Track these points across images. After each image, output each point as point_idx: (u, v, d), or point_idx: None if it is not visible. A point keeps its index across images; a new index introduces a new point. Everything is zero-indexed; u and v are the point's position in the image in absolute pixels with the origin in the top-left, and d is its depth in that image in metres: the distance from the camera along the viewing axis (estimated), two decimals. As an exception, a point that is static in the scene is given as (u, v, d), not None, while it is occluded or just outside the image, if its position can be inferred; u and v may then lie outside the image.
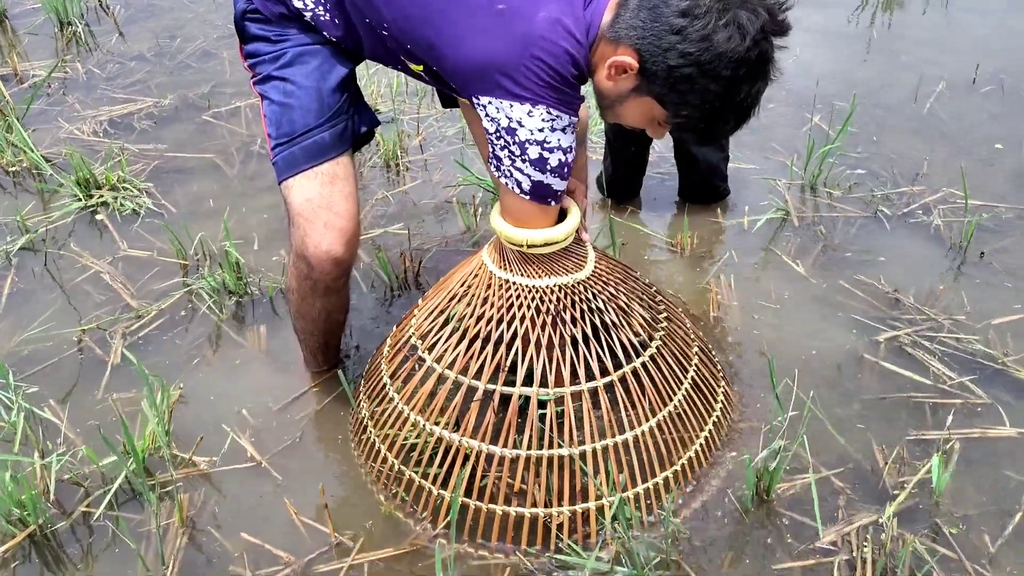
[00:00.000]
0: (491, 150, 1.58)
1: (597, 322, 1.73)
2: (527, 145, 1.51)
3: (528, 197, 1.58)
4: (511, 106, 1.48)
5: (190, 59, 3.83)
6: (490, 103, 1.50)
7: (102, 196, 2.79)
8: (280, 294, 2.38)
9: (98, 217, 2.74)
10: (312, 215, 1.73)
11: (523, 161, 1.54)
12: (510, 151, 1.53)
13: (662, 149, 2.89)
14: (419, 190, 2.84)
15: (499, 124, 1.51)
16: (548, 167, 1.55)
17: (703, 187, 2.62)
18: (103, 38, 4.07)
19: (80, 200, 2.78)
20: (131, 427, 1.97)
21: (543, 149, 1.52)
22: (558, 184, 1.58)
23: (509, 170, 1.56)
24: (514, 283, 1.71)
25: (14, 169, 3.01)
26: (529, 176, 1.55)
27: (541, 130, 1.50)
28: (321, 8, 1.66)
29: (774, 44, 1.45)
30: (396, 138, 3.00)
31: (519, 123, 1.50)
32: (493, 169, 1.61)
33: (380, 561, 1.67)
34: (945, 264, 2.39)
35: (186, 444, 1.94)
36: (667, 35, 1.41)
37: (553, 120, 1.50)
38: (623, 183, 2.66)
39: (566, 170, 1.58)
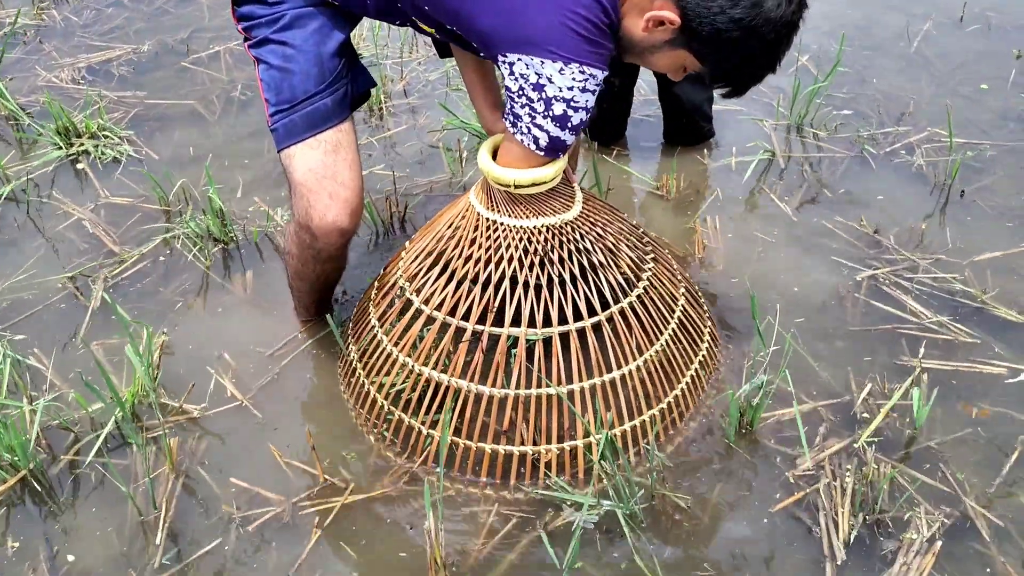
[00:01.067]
0: (508, 108, 1.55)
1: (585, 262, 1.73)
2: (553, 102, 1.49)
3: (543, 153, 1.58)
4: (542, 63, 1.45)
5: (167, 4, 3.74)
6: (519, 60, 1.47)
7: (82, 144, 2.76)
8: (265, 239, 2.37)
9: (79, 166, 2.71)
10: (316, 186, 1.70)
11: (545, 118, 1.51)
12: (532, 108, 1.51)
13: (647, 92, 2.87)
14: (403, 135, 2.82)
15: (526, 80, 1.48)
16: (569, 124, 1.53)
17: (688, 128, 2.61)
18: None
19: (60, 148, 2.74)
20: (119, 373, 1.98)
21: (568, 107, 1.50)
22: (571, 139, 1.57)
23: (528, 127, 1.54)
24: (502, 224, 1.71)
25: (-8, 117, 2.96)
26: (548, 132, 1.54)
27: (571, 88, 1.48)
28: None
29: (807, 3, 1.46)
30: (379, 83, 2.96)
31: (549, 79, 1.47)
32: (509, 126, 1.57)
33: (371, 501, 1.69)
34: (928, 203, 2.41)
35: (174, 390, 1.94)
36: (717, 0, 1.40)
37: (586, 80, 1.48)
38: (608, 125, 2.65)
39: (582, 128, 1.58)
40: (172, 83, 3.16)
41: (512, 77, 1.50)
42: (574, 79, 1.47)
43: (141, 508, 1.69)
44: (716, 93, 2.53)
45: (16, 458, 1.74)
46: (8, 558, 1.63)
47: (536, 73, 1.47)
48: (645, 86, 2.85)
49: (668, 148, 2.67)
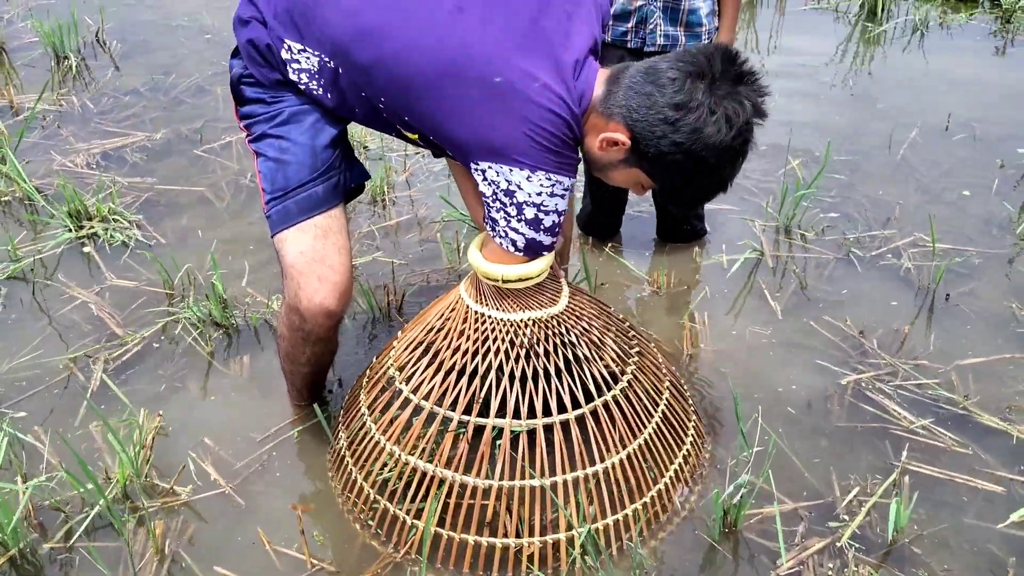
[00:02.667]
0: (486, 212, 1.65)
1: (570, 355, 1.78)
2: (524, 207, 1.59)
3: (521, 254, 1.66)
4: (511, 171, 1.56)
5: (184, 94, 3.91)
6: (489, 167, 1.57)
7: (92, 227, 2.85)
8: (265, 325, 2.43)
9: (85, 249, 2.78)
10: (306, 268, 1.77)
11: (519, 221, 1.61)
12: (506, 212, 1.60)
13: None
14: (405, 225, 2.91)
15: (497, 187, 1.58)
16: (542, 226, 1.62)
17: (681, 227, 2.70)
18: (99, 72, 4.15)
19: (71, 231, 2.83)
20: (112, 454, 2.01)
21: (539, 211, 1.60)
22: (549, 240, 1.66)
23: (504, 231, 1.63)
24: (489, 316, 1.77)
25: (6, 199, 3.06)
26: (524, 235, 1.63)
27: (539, 194, 1.58)
28: (315, 83, 1.72)
29: (753, 129, 1.54)
30: (384, 174, 3.07)
31: (518, 186, 1.57)
32: (488, 229, 1.67)
33: (354, 588, 1.71)
34: (913, 306, 2.46)
35: (166, 472, 1.97)
36: (660, 124, 1.50)
37: (553, 186, 1.58)
38: (602, 222, 2.73)
39: (558, 229, 1.66)
40: (183, 170, 3.27)
41: (485, 183, 1.59)
42: (542, 185, 1.57)
43: (126, 590, 1.70)
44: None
45: (6, 536, 1.76)
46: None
47: (506, 180, 1.57)
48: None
49: (661, 244, 2.75)
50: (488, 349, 1.76)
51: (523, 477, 1.71)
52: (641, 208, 2.93)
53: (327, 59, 1.67)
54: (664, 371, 1.99)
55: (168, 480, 1.94)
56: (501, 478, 1.71)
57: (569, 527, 1.72)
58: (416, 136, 1.76)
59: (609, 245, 2.76)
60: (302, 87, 1.74)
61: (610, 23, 2.31)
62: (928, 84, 3.88)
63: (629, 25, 2.29)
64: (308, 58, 1.69)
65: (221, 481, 1.95)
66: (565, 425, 1.74)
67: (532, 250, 1.66)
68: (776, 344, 2.34)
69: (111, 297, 2.57)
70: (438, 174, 3.21)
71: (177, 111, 3.76)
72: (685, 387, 2.08)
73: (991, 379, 2.19)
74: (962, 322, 2.39)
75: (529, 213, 1.60)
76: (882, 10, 4.67)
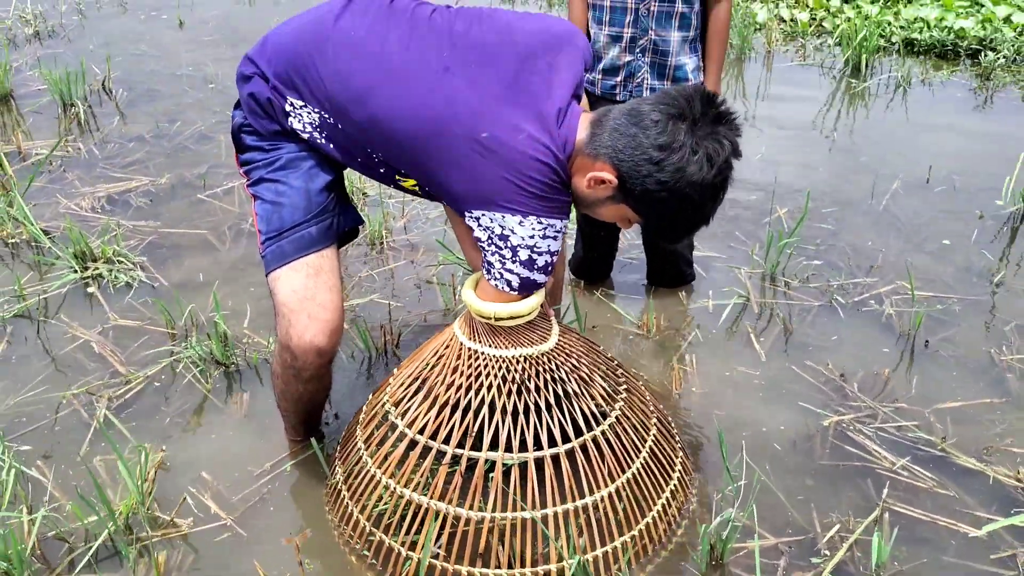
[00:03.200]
0: (483, 256, 1.74)
1: (560, 391, 1.85)
2: (518, 249, 1.68)
3: (516, 293, 1.75)
4: (503, 217, 1.65)
5: (188, 141, 4.02)
6: (483, 215, 1.67)
7: (97, 269, 2.92)
8: (264, 364, 2.49)
9: (89, 290, 2.85)
10: (297, 306, 1.85)
11: (513, 262, 1.70)
12: (501, 255, 1.70)
13: (631, 236, 3.06)
14: (402, 269, 2.99)
15: (492, 232, 1.68)
16: (536, 266, 1.72)
17: (670, 272, 2.78)
18: (105, 120, 4.26)
19: (76, 272, 2.90)
20: (116, 487, 2.06)
21: (532, 252, 1.69)
22: (543, 279, 1.76)
23: (500, 272, 1.72)
24: (483, 353, 1.84)
25: (13, 241, 3.14)
26: (518, 275, 1.72)
27: (531, 236, 1.67)
28: (318, 134, 1.83)
29: (732, 166, 1.64)
30: (382, 219, 3.16)
31: (512, 231, 1.66)
32: (484, 272, 1.76)
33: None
34: (894, 352, 2.54)
35: (166, 505, 2.02)
36: (646, 164, 1.60)
37: (544, 228, 1.68)
38: (593, 266, 2.82)
39: (551, 268, 1.75)
40: (186, 214, 3.36)
41: (480, 229, 1.69)
42: (534, 228, 1.67)
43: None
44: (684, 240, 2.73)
45: (11, 567, 1.80)
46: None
47: (500, 225, 1.66)
48: (629, 232, 3.03)
49: (650, 289, 2.83)
50: (481, 384, 1.82)
51: (515, 509, 1.77)
52: (631, 255, 3.02)
53: (327, 115, 1.78)
54: (651, 408, 2.05)
55: (169, 512, 1.99)
56: (494, 510, 1.77)
57: (560, 559, 1.77)
58: (413, 183, 1.85)
59: (600, 289, 2.84)
60: (306, 136, 1.84)
61: (598, 76, 2.42)
62: (910, 138, 4.01)
63: (618, 79, 2.40)
64: (309, 113, 1.79)
65: (221, 513, 2.00)
66: (555, 459, 1.80)
67: (526, 288, 1.75)
68: (761, 386, 2.41)
69: (114, 336, 2.63)
70: (435, 220, 3.30)
71: (181, 157, 3.86)
72: (672, 425, 2.15)
73: (969, 422, 2.26)
74: (941, 367, 2.47)
75: (523, 255, 1.69)
76: (866, 67, 4.83)
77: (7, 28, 5.59)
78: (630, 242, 3.05)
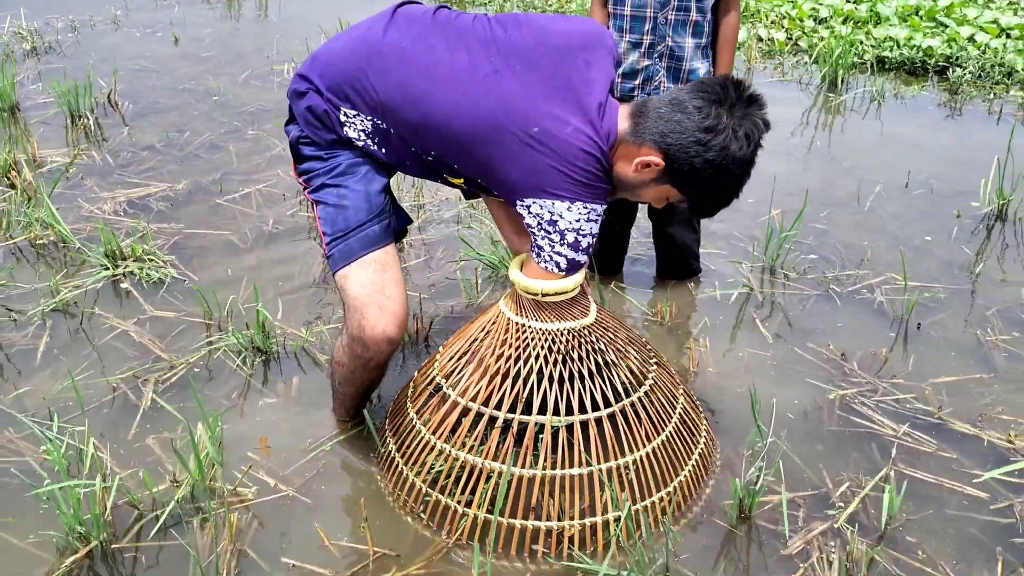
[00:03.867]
0: (533, 241, 1.91)
1: (600, 361, 2.02)
2: (566, 233, 1.85)
3: (564, 273, 1.91)
4: (553, 204, 1.82)
5: (199, 150, 4.14)
6: (534, 203, 1.84)
7: (128, 266, 3.04)
8: (303, 352, 2.62)
9: (123, 285, 2.97)
10: (368, 299, 1.99)
11: (562, 245, 1.87)
12: (551, 239, 1.87)
13: (638, 236, 3.24)
14: (422, 266, 3.14)
15: (541, 218, 1.85)
16: (581, 247, 1.89)
17: (679, 265, 2.97)
18: (113, 131, 4.37)
19: (108, 269, 3.01)
20: (174, 463, 2.18)
21: (578, 235, 1.86)
22: (585, 259, 1.93)
23: (550, 255, 1.89)
24: (529, 327, 2.00)
25: (41, 242, 3.24)
26: (566, 256, 1.89)
27: (578, 220, 1.84)
28: (371, 140, 1.99)
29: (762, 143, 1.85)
30: (399, 221, 3.31)
31: (560, 216, 1.83)
32: (534, 256, 1.93)
33: (416, 572, 1.89)
34: (888, 334, 2.74)
35: (225, 479, 2.14)
36: (693, 145, 1.78)
37: (588, 213, 1.85)
38: (607, 260, 3.00)
39: (591, 249, 1.93)
40: (206, 217, 3.49)
41: (531, 215, 1.86)
42: (579, 213, 1.84)
43: (205, 573, 1.86)
44: (702, 224, 2.92)
45: (87, 530, 1.91)
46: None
47: (549, 212, 1.83)
48: (638, 231, 3.22)
49: (660, 282, 3.02)
50: (529, 355, 1.99)
51: (564, 467, 1.92)
52: (638, 252, 3.20)
53: (379, 121, 1.94)
54: (678, 380, 2.22)
55: (231, 484, 2.11)
56: (544, 468, 1.92)
57: (606, 511, 1.93)
58: (460, 181, 2.02)
59: (612, 282, 3.01)
60: (360, 144, 2.00)
61: (618, 80, 2.61)
62: (887, 147, 4.26)
63: (636, 82, 2.60)
64: (362, 121, 1.96)
65: (280, 485, 2.13)
66: (598, 422, 1.97)
67: (573, 268, 1.92)
68: (769, 365, 2.59)
69: (151, 327, 2.75)
70: (448, 221, 3.47)
71: (194, 165, 3.98)
72: (695, 397, 2.32)
73: (961, 394, 2.46)
74: (933, 347, 2.68)
75: (570, 238, 1.86)
76: (841, 82, 5.10)
77: (4, 44, 5.67)
78: (636, 240, 3.23)
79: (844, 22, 5.94)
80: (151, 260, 3.08)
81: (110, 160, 4.00)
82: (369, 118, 1.95)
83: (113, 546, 1.95)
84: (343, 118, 1.97)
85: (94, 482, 1.98)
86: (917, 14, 5.91)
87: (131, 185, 3.74)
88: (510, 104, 1.82)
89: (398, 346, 2.06)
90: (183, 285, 2.98)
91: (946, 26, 5.70)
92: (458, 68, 1.87)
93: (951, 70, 5.15)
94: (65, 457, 2.07)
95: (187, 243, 3.28)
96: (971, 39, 5.49)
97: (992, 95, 4.93)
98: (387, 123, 1.93)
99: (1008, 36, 5.54)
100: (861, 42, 5.53)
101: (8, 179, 3.65)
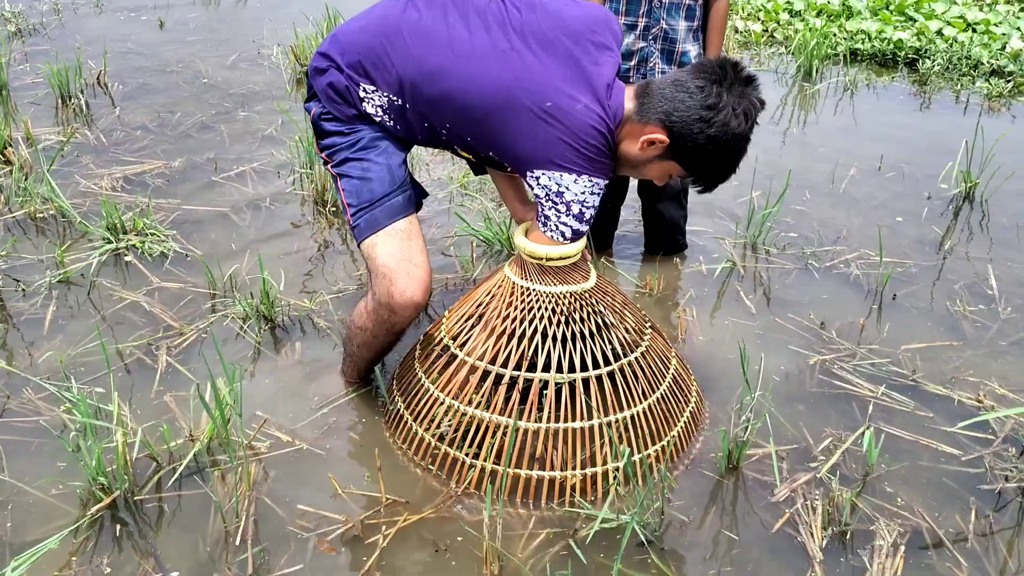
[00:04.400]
0: (539, 211, 2.03)
1: (600, 322, 2.14)
2: (571, 204, 1.97)
3: (568, 241, 2.04)
4: (561, 176, 1.94)
5: (191, 130, 4.20)
6: (543, 174, 1.96)
7: (130, 240, 3.11)
8: (308, 320, 2.72)
9: (127, 258, 3.04)
10: (397, 266, 2.10)
11: (568, 215, 1.99)
12: (557, 210, 1.99)
13: (626, 215, 3.37)
14: (417, 241, 3.24)
15: (549, 190, 1.97)
16: (584, 218, 2.01)
17: (667, 240, 3.10)
18: (103, 111, 4.42)
19: (111, 242, 3.08)
20: (188, 420, 2.27)
21: (583, 207, 1.98)
22: (587, 229, 2.06)
23: (556, 225, 2.01)
24: (534, 290, 2.12)
25: (41, 215, 3.30)
26: (570, 227, 2.01)
27: (583, 192, 1.96)
28: (387, 116, 2.10)
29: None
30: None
31: (567, 187, 1.95)
32: (540, 226, 2.05)
33: (426, 519, 2.00)
34: (864, 305, 2.90)
35: (239, 435, 2.24)
36: (696, 122, 1.90)
37: (593, 186, 1.97)
38: (598, 235, 3.12)
39: (592, 221, 2.06)
40: (203, 194, 3.56)
41: (539, 187, 1.98)
42: (585, 186, 1.96)
43: (226, 518, 1.96)
44: (691, 199, 3.04)
45: (108, 482, 2.00)
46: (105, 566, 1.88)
47: (556, 184, 1.95)
48: (627, 209, 3.35)
49: (648, 256, 3.15)
50: (533, 316, 2.10)
51: (566, 421, 2.05)
52: (626, 229, 3.33)
53: (395, 97, 2.05)
54: (669, 344, 2.35)
55: (246, 438, 2.21)
56: (548, 421, 2.04)
57: (605, 462, 2.05)
58: (470, 155, 2.13)
59: (602, 258, 3.14)
60: (377, 119, 2.11)
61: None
62: (860, 133, 4.43)
63: (632, 63, 2.72)
64: (380, 97, 2.06)
65: (292, 440, 2.23)
66: (598, 379, 2.09)
67: (576, 237, 2.04)
68: (753, 334, 2.73)
69: (159, 297, 2.83)
70: (441, 200, 3.57)
71: (187, 144, 4.04)
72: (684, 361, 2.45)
73: (934, 359, 2.62)
74: (906, 316, 2.83)
75: (575, 209, 1.98)
76: (816, 72, 5.26)
77: (-12, 25, 5.68)
78: (625, 218, 3.36)
79: (818, 15, 6.12)
80: (153, 234, 3.16)
81: (104, 139, 4.05)
82: (386, 94, 2.05)
83: (135, 497, 2.04)
84: (362, 94, 2.07)
85: (117, 432, 2.07)
86: (888, 8, 6.10)
87: (126, 163, 3.80)
88: (525, 80, 1.94)
89: (423, 309, 2.16)
90: (185, 259, 3.06)
91: (915, 20, 5.89)
92: (477, 45, 1.98)
93: (920, 62, 5.34)
94: (86, 415, 2.15)
95: (186, 218, 3.36)
96: (939, 33, 5.69)
97: (959, 86, 5.12)
98: (404, 99, 2.04)
99: (974, 30, 5.74)
100: (834, 35, 5.71)
101: (4, 155, 3.70)
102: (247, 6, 6.50)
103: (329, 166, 2.20)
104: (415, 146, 2.21)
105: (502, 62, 1.96)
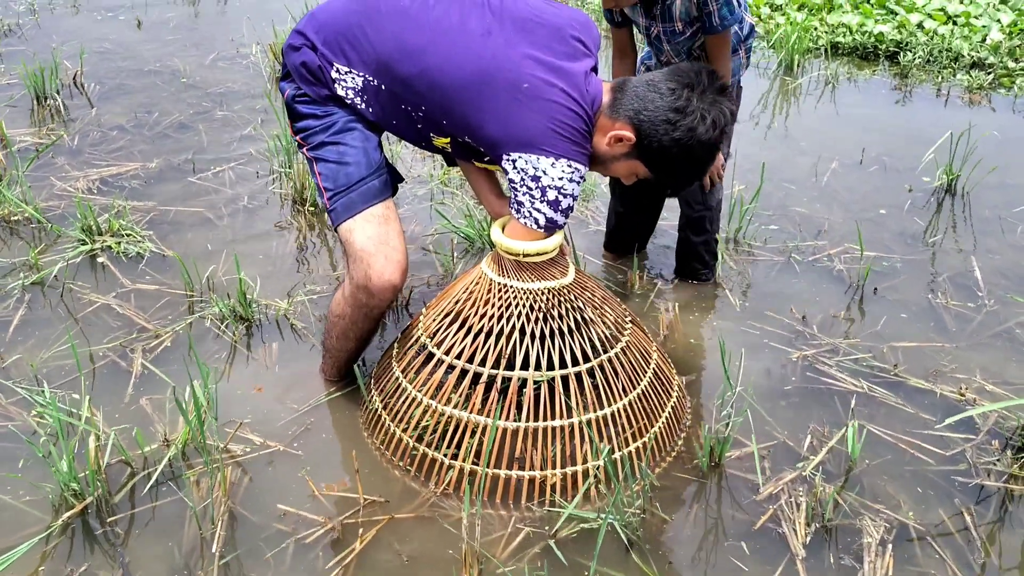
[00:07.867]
0: (512, 197, 1.99)
1: (579, 318, 2.11)
2: (547, 189, 1.93)
3: (542, 230, 2.00)
4: (538, 159, 1.91)
5: (168, 130, 4.15)
6: (520, 157, 1.92)
7: (105, 241, 3.06)
8: (284, 320, 2.69)
9: (99, 260, 3.00)
10: (375, 249, 2.08)
11: (542, 202, 1.95)
12: (531, 195, 1.95)
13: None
14: (397, 240, 3.21)
15: (525, 173, 1.93)
16: (560, 207, 1.97)
17: (687, 268, 2.96)
18: (80, 112, 4.36)
19: (85, 244, 3.04)
20: (164, 424, 2.23)
21: (559, 194, 1.95)
22: (563, 220, 2.02)
23: (529, 211, 1.98)
24: (511, 287, 2.09)
25: (16, 218, 3.24)
26: (545, 214, 1.97)
27: (561, 178, 1.93)
28: (359, 99, 2.07)
29: (727, 131, 1.97)
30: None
31: (544, 172, 1.92)
32: (513, 212, 2.01)
33: (405, 521, 1.97)
34: (846, 299, 2.88)
35: (215, 437, 2.20)
36: (662, 123, 1.89)
37: (572, 172, 1.94)
38: (624, 240, 3.06)
39: (570, 212, 2.02)
40: (180, 194, 3.51)
41: (515, 171, 1.94)
42: (563, 171, 1.93)
43: (201, 523, 1.93)
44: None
45: (80, 488, 1.96)
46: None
47: (533, 167, 1.92)
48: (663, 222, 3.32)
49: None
50: (512, 313, 2.07)
51: (546, 419, 2.02)
52: (600, 227, 3.30)
53: (370, 78, 2.02)
54: (650, 338, 2.33)
55: (221, 441, 2.18)
56: (527, 421, 2.01)
57: (586, 460, 2.03)
58: (446, 141, 2.10)
59: (583, 253, 3.11)
60: (348, 102, 2.08)
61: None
62: (842, 127, 4.42)
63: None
64: (353, 78, 2.03)
65: (269, 442, 2.19)
66: (577, 376, 2.06)
67: (550, 227, 2.01)
68: (735, 328, 2.71)
69: (134, 300, 2.79)
70: (421, 197, 3.54)
71: (164, 144, 3.99)
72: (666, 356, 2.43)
73: (916, 353, 2.61)
74: (888, 310, 2.82)
75: (551, 195, 1.95)
76: (797, 66, 5.25)
77: (-38, 26, 5.60)
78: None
79: (799, 9, 6.10)
80: (129, 235, 3.11)
81: (79, 140, 4.00)
82: (361, 75, 2.02)
83: (109, 502, 2.00)
84: (335, 75, 2.05)
85: (89, 437, 2.03)
86: (869, 2, 6.10)
87: (102, 164, 3.75)
88: (503, 60, 1.92)
89: (399, 293, 2.14)
90: (161, 260, 3.02)
91: (896, 13, 5.89)
92: (456, 25, 1.96)
93: (901, 55, 5.34)
94: (57, 420, 2.11)
95: (162, 219, 3.31)
96: (920, 26, 5.69)
97: (940, 79, 5.12)
98: (380, 79, 2.01)
99: (955, 23, 5.74)
100: (815, 28, 5.70)
101: (-23, 158, 3.65)
102: (227, 5, 6.44)
103: (304, 149, 2.17)
104: (395, 143, 2.18)
105: (481, 43, 1.94)
